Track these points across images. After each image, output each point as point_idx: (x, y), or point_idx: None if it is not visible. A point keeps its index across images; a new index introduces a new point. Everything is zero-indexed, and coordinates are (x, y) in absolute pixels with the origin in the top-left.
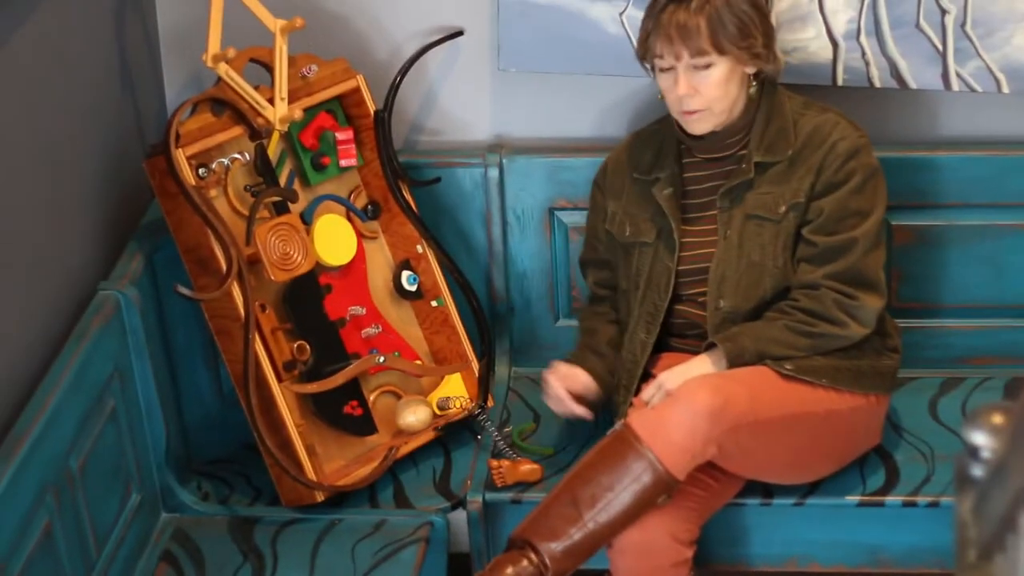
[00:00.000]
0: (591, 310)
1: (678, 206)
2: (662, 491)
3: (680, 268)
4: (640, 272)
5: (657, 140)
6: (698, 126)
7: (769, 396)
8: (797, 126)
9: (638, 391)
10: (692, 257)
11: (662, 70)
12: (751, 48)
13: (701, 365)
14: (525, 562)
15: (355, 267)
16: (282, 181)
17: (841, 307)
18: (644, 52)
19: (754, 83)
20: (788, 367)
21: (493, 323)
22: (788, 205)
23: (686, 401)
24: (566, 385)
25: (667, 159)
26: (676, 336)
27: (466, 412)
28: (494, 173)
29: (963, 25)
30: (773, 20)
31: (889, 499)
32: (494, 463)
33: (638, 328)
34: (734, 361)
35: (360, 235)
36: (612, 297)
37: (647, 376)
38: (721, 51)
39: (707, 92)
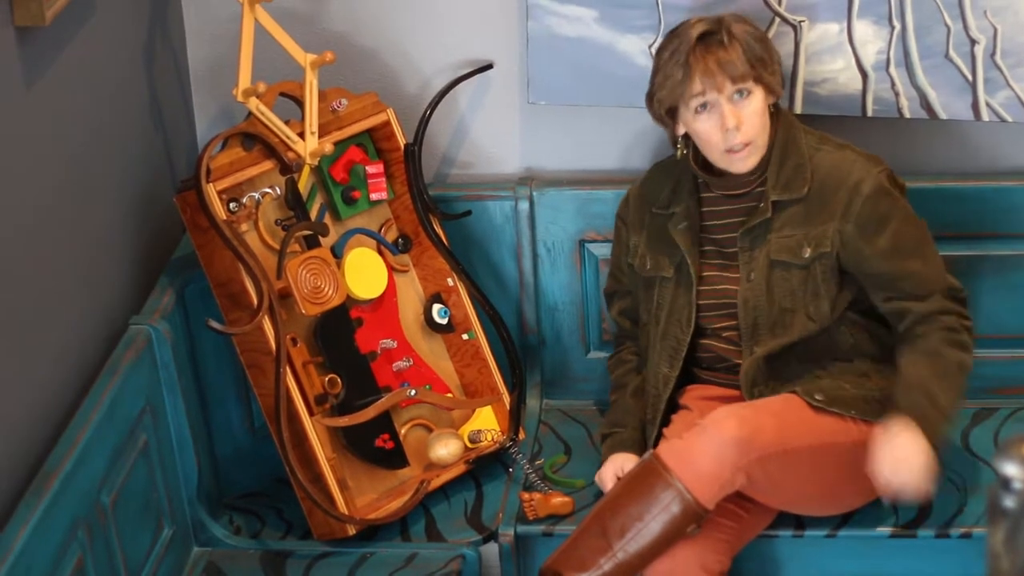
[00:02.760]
0: (618, 358)
1: (694, 241)
2: (691, 520)
3: (701, 303)
4: (661, 306)
5: (675, 173)
6: (744, 163)
7: (798, 426)
8: (813, 162)
9: (664, 423)
10: (713, 292)
11: (699, 111)
12: (775, 74)
13: (907, 445)
14: None
15: (386, 300)
16: (313, 215)
17: (956, 331)
18: (675, 99)
19: (772, 111)
20: (818, 397)
21: (524, 355)
22: (815, 254)
23: (714, 430)
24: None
25: (683, 193)
26: (704, 369)
27: (497, 445)
28: (524, 206)
29: (993, 55)
30: (802, 52)
31: (922, 531)
32: (525, 496)
33: (660, 362)
34: (922, 423)
35: (391, 268)
36: (635, 331)
37: (675, 407)
38: (758, 79)
39: (750, 123)
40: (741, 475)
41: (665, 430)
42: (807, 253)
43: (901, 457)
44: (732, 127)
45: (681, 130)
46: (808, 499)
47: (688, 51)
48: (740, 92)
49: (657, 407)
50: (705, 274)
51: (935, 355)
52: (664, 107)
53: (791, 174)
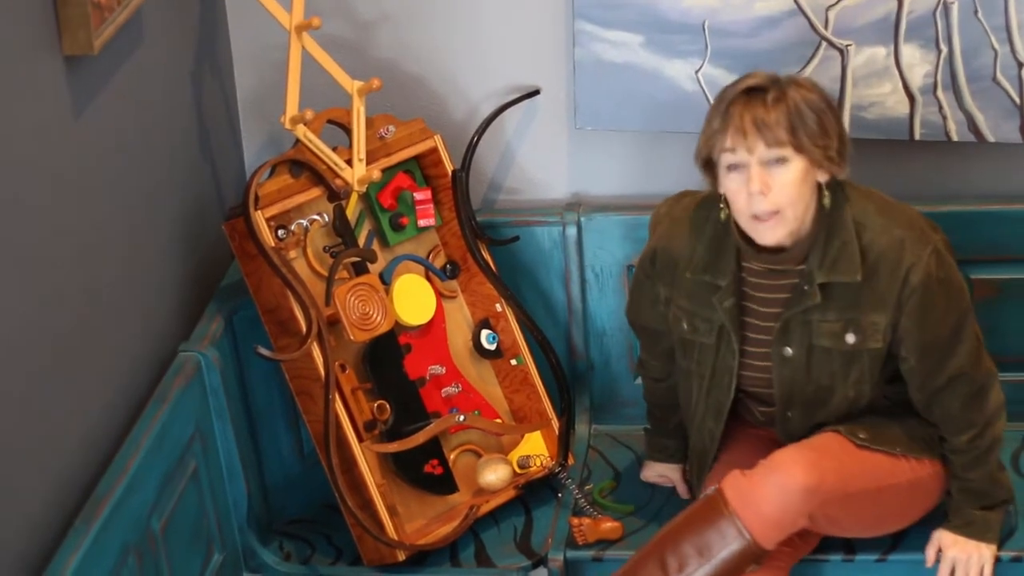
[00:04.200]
0: (653, 384)
1: (738, 317)
2: (750, 561)
3: (742, 373)
4: (703, 365)
5: (709, 232)
6: (770, 235)
7: (857, 468)
8: (862, 242)
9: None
10: (752, 367)
11: (730, 168)
12: (827, 149)
13: (981, 552)
14: None
15: (435, 326)
16: (361, 241)
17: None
18: (709, 149)
19: (827, 193)
20: (862, 435)
21: (573, 381)
22: (863, 346)
23: (782, 476)
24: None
25: (726, 262)
26: (742, 420)
27: (546, 470)
28: (572, 231)
29: None
30: (849, 76)
31: None
32: (575, 521)
33: (707, 418)
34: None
35: (439, 294)
36: (663, 361)
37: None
38: (799, 148)
39: (781, 192)
40: (804, 519)
41: (708, 480)
42: (851, 339)
43: (963, 560)
44: (756, 191)
45: (721, 187)
46: (860, 530)
47: (730, 102)
48: (777, 159)
49: (705, 462)
50: (745, 347)
51: (976, 467)
52: (701, 157)
53: (837, 254)
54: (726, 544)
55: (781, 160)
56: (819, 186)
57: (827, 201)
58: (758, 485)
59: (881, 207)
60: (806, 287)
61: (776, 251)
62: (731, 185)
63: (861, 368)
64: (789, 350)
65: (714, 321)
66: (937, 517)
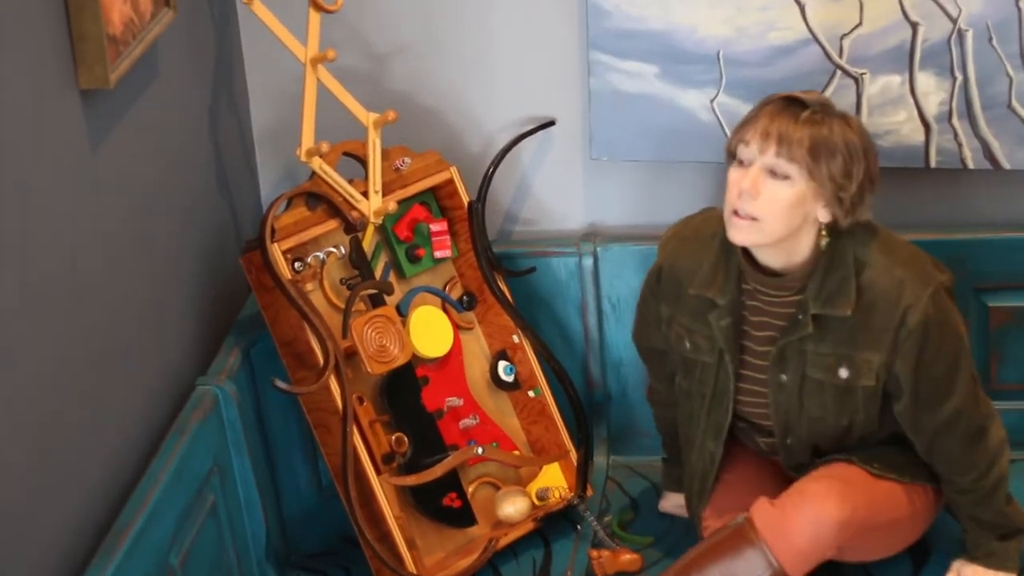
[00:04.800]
0: (663, 411)
1: (736, 338)
2: None
3: (740, 397)
4: (704, 384)
5: (715, 250)
6: (739, 235)
7: (880, 499)
8: (861, 279)
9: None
10: (752, 391)
11: (739, 162)
12: (841, 190)
13: None
14: None
15: (452, 358)
16: (377, 274)
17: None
18: (736, 137)
19: (825, 234)
20: (875, 465)
21: (590, 412)
22: (856, 382)
23: (816, 509)
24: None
25: (728, 281)
26: (743, 435)
27: (565, 502)
28: (588, 262)
29: None
30: (864, 104)
31: None
32: (594, 553)
33: (707, 439)
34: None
35: (456, 326)
36: (669, 386)
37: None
38: (811, 174)
39: (767, 203)
40: (833, 550)
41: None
42: (843, 374)
43: None
44: (745, 188)
45: None
46: (872, 556)
47: (769, 102)
48: (780, 173)
49: (705, 484)
50: (743, 371)
51: (984, 505)
52: (729, 148)
53: (835, 288)
54: (753, 573)
55: (784, 175)
56: (819, 224)
57: (823, 243)
58: (791, 517)
59: (884, 245)
60: (800, 316)
61: (775, 275)
62: (732, 175)
63: (855, 404)
64: (784, 377)
65: (715, 340)
66: (953, 544)
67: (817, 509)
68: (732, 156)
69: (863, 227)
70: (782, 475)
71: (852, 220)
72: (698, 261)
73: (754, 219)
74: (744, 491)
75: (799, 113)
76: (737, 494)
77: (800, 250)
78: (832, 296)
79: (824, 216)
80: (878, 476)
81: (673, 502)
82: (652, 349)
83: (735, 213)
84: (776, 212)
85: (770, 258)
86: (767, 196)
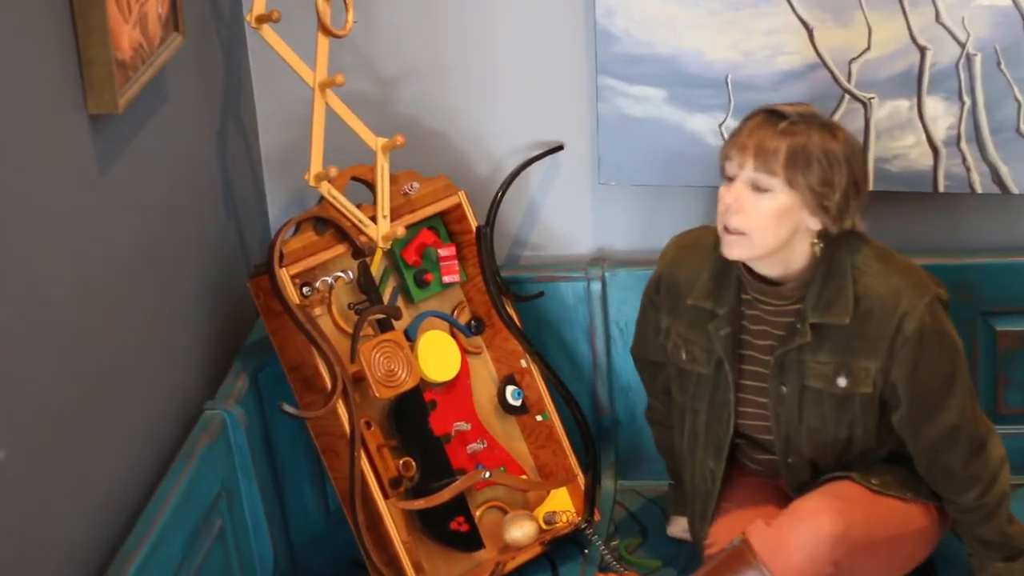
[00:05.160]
0: (662, 431)
1: (735, 348)
2: None
3: (741, 409)
4: (699, 399)
5: (714, 260)
6: (730, 250)
7: (879, 515)
8: (858, 287)
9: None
10: (749, 402)
11: (726, 177)
12: (824, 198)
13: None
14: None
15: (460, 383)
16: (385, 298)
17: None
18: (722, 153)
19: (817, 241)
20: (875, 482)
21: (598, 436)
22: (854, 390)
23: (811, 524)
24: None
25: (728, 291)
26: (745, 456)
27: (572, 526)
28: (596, 286)
29: None
30: (873, 128)
31: None
32: None
33: (706, 456)
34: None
35: (464, 351)
36: (664, 401)
37: (718, 503)
38: (791, 184)
39: (752, 216)
40: (831, 567)
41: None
42: (842, 383)
43: None
44: (729, 204)
45: None
46: (875, 572)
47: (750, 116)
48: (761, 186)
49: (707, 505)
50: (743, 381)
51: (987, 523)
52: (719, 163)
53: (832, 296)
54: None
55: (765, 188)
56: (810, 232)
57: (817, 250)
58: (786, 535)
59: (881, 255)
60: (799, 325)
61: (773, 284)
62: (720, 191)
63: (853, 413)
64: (784, 388)
65: (712, 352)
66: (961, 570)
67: (812, 526)
68: (722, 172)
69: (862, 239)
70: (784, 500)
71: (841, 227)
72: (696, 271)
73: (742, 233)
74: (747, 518)
75: (776, 124)
76: (742, 523)
77: (796, 259)
78: (830, 304)
79: (814, 224)
80: (878, 492)
81: (681, 526)
82: (649, 361)
83: (724, 228)
84: (762, 225)
85: (767, 268)
86: (751, 210)
